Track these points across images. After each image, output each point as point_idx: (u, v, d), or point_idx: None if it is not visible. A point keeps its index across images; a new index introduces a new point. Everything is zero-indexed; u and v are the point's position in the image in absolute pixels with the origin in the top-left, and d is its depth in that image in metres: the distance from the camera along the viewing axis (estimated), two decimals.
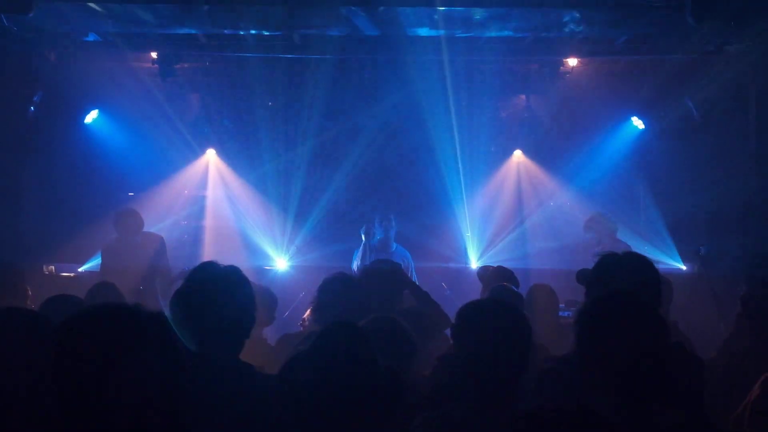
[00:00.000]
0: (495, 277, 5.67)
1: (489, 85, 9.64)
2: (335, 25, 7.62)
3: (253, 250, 10.32)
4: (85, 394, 1.67)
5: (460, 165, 10.34)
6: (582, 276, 3.43)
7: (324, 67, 9.39)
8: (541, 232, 10.50)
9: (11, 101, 9.04)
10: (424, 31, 7.74)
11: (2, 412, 2.21)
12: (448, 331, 4.16)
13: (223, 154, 10.69)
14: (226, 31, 8.08)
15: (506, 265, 6.36)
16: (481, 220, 10.61)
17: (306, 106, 10.24)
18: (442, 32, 7.77)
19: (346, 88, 9.65)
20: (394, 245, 8.51)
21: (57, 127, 9.68)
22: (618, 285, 2.97)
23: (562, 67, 9.15)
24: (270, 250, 10.42)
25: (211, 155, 10.73)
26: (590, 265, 3.33)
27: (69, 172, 9.85)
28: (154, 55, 8.98)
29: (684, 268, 9.57)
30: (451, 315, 3.34)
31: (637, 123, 10.22)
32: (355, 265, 8.26)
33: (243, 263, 9.04)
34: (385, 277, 4.87)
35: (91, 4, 7.17)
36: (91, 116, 10.04)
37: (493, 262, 7.92)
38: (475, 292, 6.00)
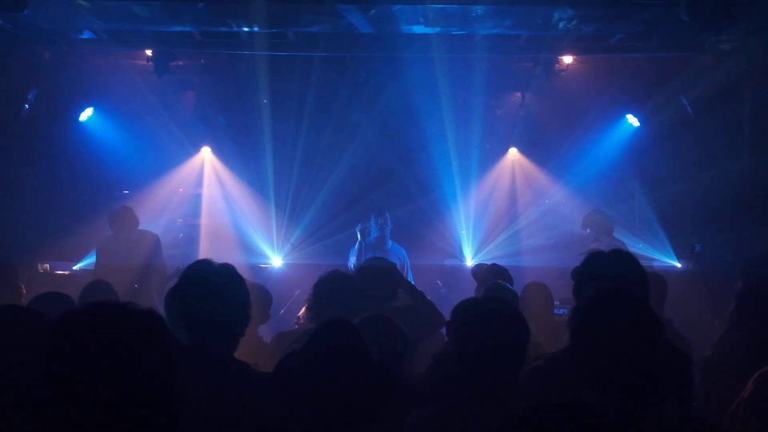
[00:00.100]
0: (489, 274, 5.68)
1: (484, 83, 9.63)
2: (330, 23, 7.62)
3: (248, 247, 10.32)
4: (78, 392, 1.67)
5: (455, 162, 10.36)
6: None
7: (319, 64, 9.39)
8: (536, 230, 10.52)
9: (6, 99, 9.03)
10: (419, 29, 7.74)
11: None
12: (443, 330, 4.17)
13: (218, 151, 10.69)
14: (220, 29, 8.07)
15: (501, 262, 6.37)
16: (476, 217, 10.62)
17: (301, 104, 10.24)
18: (437, 30, 7.77)
19: (341, 85, 9.65)
20: (390, 243, 8.52)
21: (51, 125, 9.66)
22: (603, 282, 2.98)
23: (557, 65, 9.15)
24: (265, 247, 10.42)
25: (206, 153, 10.72)
26: None
27: (64, 170, 9.84)
28: (148, 52, 8.96)
29: (679, 265, 9.59)
30: (447, 312, 3.35)
31: (632, 120, 10.23)
32: (352, 262, 8.27)
33: (238, 261, 9.07)
34: (379, 275, 4.87)
35: (85, 2, 7.15)
36: (86, 114, 10.02)
37: (488, 260, 7.93)
38: (470, 289, 6.01)
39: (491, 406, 2.67)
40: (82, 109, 9.97)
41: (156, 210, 9.94)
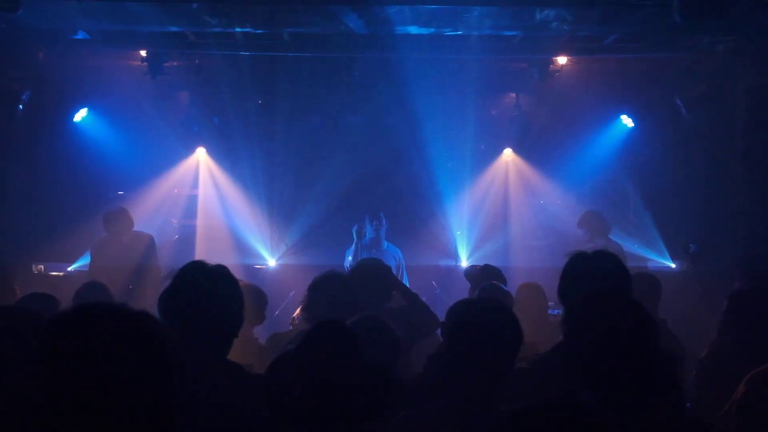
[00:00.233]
0: (483, 275, 5.68)
1: (478, 84, 9.64)
2: (324, 24, 7.61)
3: (243, 248, 10.31)
4: (70, 394, 1.67)
5: (450, 163, 10.36)
6: None
7: (313, 65, 9.39)
8: (531, 230, 10.54)
9: None
10: (413, 30, 7.73)
11: None
12: (439, 331, 4.17)
13: (213, 152, 10.68)
14: (215, 29, 8.05)
15: (496, 263, 6.37)
16: (471, 218, 10.63)
17: (295, 105, 10.24)
18: (430, 30, 7.77)
19: (336, 86, 9.64)
20: (385, 243, 8.54)
21: (46, 125, 9.64)
22: (586, 283, 2.99)
23: (551, 66, 9.16)
24: (260, 248, 10.41)
25: (200, 153, 10.71)
26: None
27: (58, 170, 9.81)
28: (142, 53, 8.94)
29: (673, 265, 9.62)
30: (442, 313, 3.35)
31: (626, 121, 10.25)
32: (348, 263, 8.29)
33: (233, 261, 9.09)
34: (372, 275, 4.88)
35: (79, 3, 7.14)
36: (80, 115, 10.00)
37: (483, 261, 7.94)
38: (465, 290, 6.01)
39: (478, 407, 2.68)
40: (77, 110, 9.95)
41: (151, 211, 9.93)
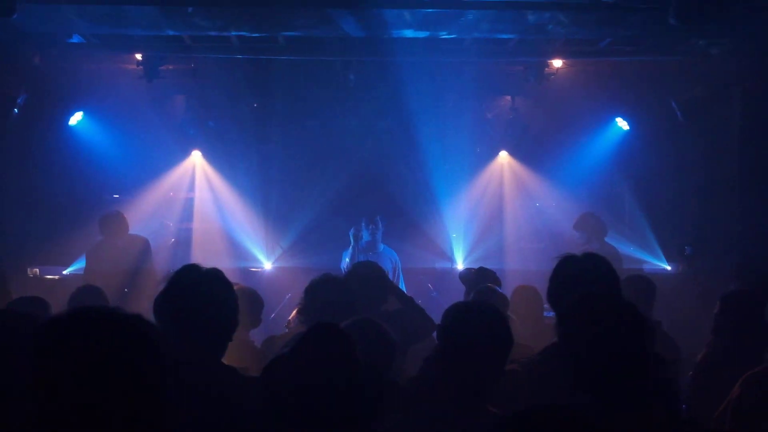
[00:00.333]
0: (478, 278, 5.68)
1: (474, 87, 9.66)
2: (320, 27, 7.61)
3: (239, 251, 10.31)
4: (63, 398, 1.66)
5: (446, 166, 10.37)
6: None
7: (309, 68, 9.39)
8: (526, 233, 10.54)
9: None
10: (409, 33, 7.74)
11: None
12: (435, 334, 4.17)
13: (209, 155, 10.67)
14: (211, 33, 8.05)
15: (491, 265, 6.38)
16: (467, 220, 10.64)
17: (291, 108, 10.24)
18: (426, 34, 7.78)
19: (332, 89, 9.65)
20: (382, 246, 8.56)
21: (41, 129, 9.63)
22: (575, 286, 2.99)
23: (546, 69, 9.17)
24: (256, 251, 10.41)
25: (196, 157, 10.70)
26: None
27: (53, 174, 9.80)
28: (138, 56, 8.93)
29: (669, 267, 9.63)
30: (437, 316, 3.35)
31: (622, 124, 10.27)
32: (345, 264, 8.32)
33: (229, 265, 9.07)
34: (368, 278, 4.88)
35: (74, 7, 7.14)
36: (76, 118, 9.99)
37: (478, 263, 7.95)
38: (461, 293, 6.01)
39: (469, 409, 2.68)
40: (72, 114, 9.94)
41: (146, 214, 9.93)
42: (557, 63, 9.14)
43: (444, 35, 7.92)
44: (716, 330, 4.15)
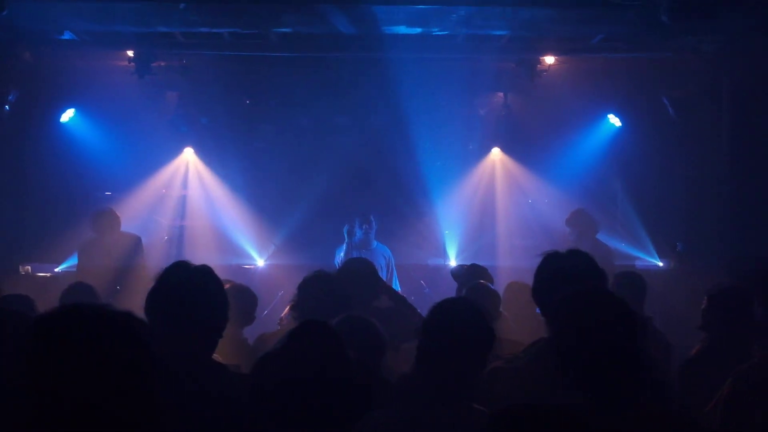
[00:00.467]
0: (470, 275, 5.68)
1: (466, 83, 9.67)
2: (312, 24, 7.61)
3: (232, 248, 10.29)
4: (53, 395, 1.66)
5: (438, 162, 10.37)
6: None
7: (300, 65, 9.38)
8: (519, 229, 10.55)
9: None
10: (401, 29, 7.74)
11: None
12: None
13: (201, 152, 10.66)
14: (202, 30, 8.04)
15: (484, 262, 6.37)
16: (459, 217, 10.64)
17: (283, 105, 10.23)
18: (418, 30, 7.79)
19: (323, 86, 9.64)
20: (375, 243, 8.58)
21: (33, 126, 9.60)
22: (560, 283, 3.00)
23: (539, 66, 9.18)
24: (249, 248, 10.39)
25: (189, 154, 10.68)
26: None
27: (45, 171, 9.77)
28: (130, 53, 8.91)
29: (661, 264, 9.65)
30: None
31: (614, 120, 10.29)
32: (340, 259, 8.34)
33: (222, 262, 9.05)
34: (359, 274, 4.89)
35: (65, 3, 7.12)
36: (67, 115, 9.96)
37: (471, 260, 7.95)
38: (454, 289, 6.01)
39: (450, 405, 2.68)
40: (64, 110, 9.91)
41: (139, 211, 9.90)
42: (549, 60, 9.16)
43: (436, 32, 7.93)
44: (704, 326, 4.14)
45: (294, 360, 2.31)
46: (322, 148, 10.40)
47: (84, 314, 1.76)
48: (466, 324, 2.77)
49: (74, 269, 8.43)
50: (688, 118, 9.39)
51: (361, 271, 4.97)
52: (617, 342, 2.49)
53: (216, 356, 3.37)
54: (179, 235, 10.48)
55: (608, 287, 3.21)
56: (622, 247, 9.62)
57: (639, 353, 2.51)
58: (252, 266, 10.19)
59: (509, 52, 8.98)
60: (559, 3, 7.05)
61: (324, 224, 9.82)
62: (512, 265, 8.97)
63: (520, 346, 4.19)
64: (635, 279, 5.19)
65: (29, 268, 9.29)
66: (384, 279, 8.09)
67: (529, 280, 6.20)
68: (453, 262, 10.00)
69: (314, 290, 4.32)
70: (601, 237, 8.79)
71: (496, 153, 10.91)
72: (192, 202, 10.73)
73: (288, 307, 4.92)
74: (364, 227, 8.48)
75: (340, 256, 8.48)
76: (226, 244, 10.32)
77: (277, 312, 7.10)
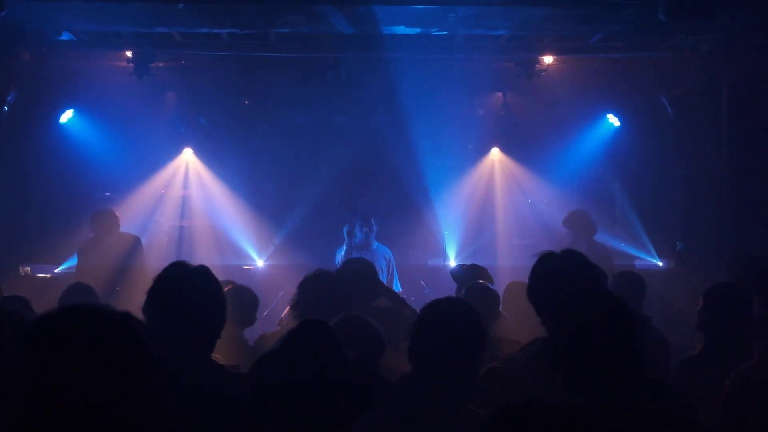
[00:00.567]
0: (469, 275, 5.67)
1: (466, 83, 9.67)
2: (311, 24, 7.61)
3: (231, 249, 10.29)
4: (51, 396, 1.66)
5: (437, 162, 10.37)
6: None
7: (299, 65, 9.38)
8: (518, 229, 10.56)
9: None
10: (400, 30, 7.75)
11: None
12: None
13: (200, 153, 10.66)
14: (201, 30, 8.03)
15: (483, 262, 6.37)
16: (459, 217, 10.64)
17: (282, 105, 10.23)
18: (417, 30, 7.79)
19: (323, 86, 9.63)
20: (375, 243, 8.59)
21: (32, 127, 9.60)
22: (556, 283, 2.99)
23: (537, 65, 9.18)
24: (249, 249, 10.39)
25: (188, 154, 10.69)
26: None
27: (45, 172, 9.77)
28: (129, 53, 8.91)
29: (660, 263, 9.65)
30: None
31: (613, 120, 10.29)
32: (340, 259, 8.35)
33: (221, 262, 9.04)
34: (359, 274, 4.89)
35: (64, 3, 7.12)
36: (66, 116, 9.95)
37: (471, 260, 7.95)
38: (453, 289, 6.01)
39: (443, 406, 2.67)
40: (63, 111, 9.90)
41: (138, 212, 9.90)
42: (548, 59, 9.16)
43: (435, 32, 7.93)
44: (700, 326, 4.12)
45: (292, 360, 2.31)
46: (321, 149, 10.40)
47: (83, 314, 1.76)
48: (457, 324, 2.75)
49: (74, 270, 8.43)
50: (687, 117, 9.39)
51: (360, 271, 4.97)
52: (615, 341, 2.49)
53: (217, 357, 3.37)
54: (179, 236, 10.48)
55: (607, 287, 3.21)
56: (622, 246, 9.62)
57: (637, 353, 2.50)
58: (251, 267, 10.19)
59: (508, 52, 8.99)
60: (557, 2, 7.05)
61: (323, 224, 9.83)
62: (512, 264, 8.97)
63: (519, 345, 4.20)
64: (634, 279, 5.19)
65: (29, 268, 9.29)
66: (385, 280, 8.12)
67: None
68: (452, 262, 10.00)
69: (314, 289, 4.32)
70: (600, 237, 8.79)
71: (495, 153, 10.91)
72: (191, 202, 10.74)
73: (288, 308, 4.92)
74: (364, 230, 8.50)
75: (340, 256, 8.49)
76: (225, 244, 10.32)
77: (276, 313, 7.11)
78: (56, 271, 9.25)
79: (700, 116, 9.12)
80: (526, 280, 6.27)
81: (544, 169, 10.41)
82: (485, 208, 10.83)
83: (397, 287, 8.54)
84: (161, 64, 9.34)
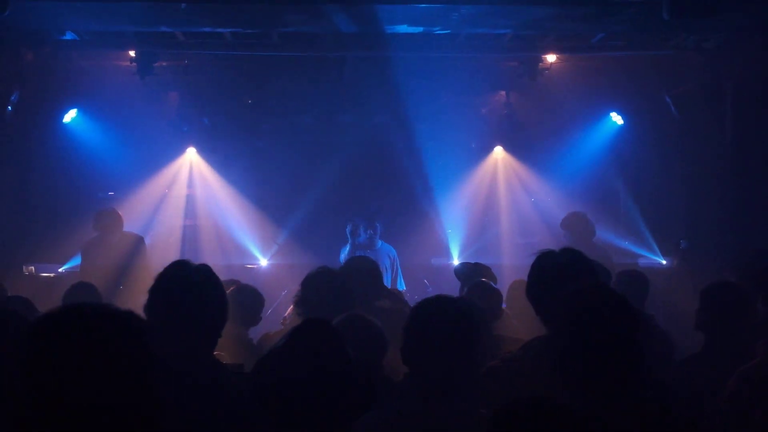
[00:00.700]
0: (473, 273, 5.67)
1: (469, 82, 9.68)
2: (314, 23, 7.61)
3: (235, 248, 10.31)
4: (54, 395, 1.67)
5: (441, 161, 10.37)
6: None
7: (303, 64, 9.38)
8: (522, 228, 10.55)
9: None
10: (403, 28, 7.75)
11: None
12: None
13: (203, 152, 10.67)
14: (204, 30, 8.04)
15: (487, 260, 6.36)
16: (462, 216, 10.64)
17: (285, 104, 10.24)
18: (420, 29, 7.79)
19: (326, 85, 9.64)
20: (380, 242, 8.60)
21: (35, 126, 9.60)
22: (555, 282, 2.98)
23: (541, 64, 9.18)
24: (252, 248, 10.40)
25: (191, 153, 10.70)
26: None
27: (48, 172, 9.79)
28: (132, 53, 8.92)
29: (664, 262, 9.64)
30: None
31: (616, 118, 10.28)
32: (343, 258, 8.36)
33: (225, 262, 9.04)
34: (362, 272, 4.89)
35: (67, 3, 7.13)
36: (70, 115, 9.97)
37: (474, 258, 7.94)
38: (457, 288, 6.00)
39: (438, 405, 2.64)
40: (66, 111, 9.92)
41: (141, 211, 9.92)
42: (551, 58, 9.16)
43: (438, 31, 7.93)
44: (698, 325, 4.09)
45: (295, 358, 2.31)
46: (324, 148, 10.42)
47: (86, 314, 1.76)
48: (446, 322, 2.70)
49: (77, 269, 8.44)
50: (690, 116, 9.37)
51: (364, 269, 4.97)
52: (619, 339, 2.48)
53: (221, 355, 3.38)
54: (182, 235, 10.49)
55: (610, 285, 3.20)
56: (625, 245, 9.61)
57: (641, 351, 2.50)
58: (255, 266, 10.21)
59: (511, 51, 8.99)
60: (560, 1, 7.05)
61: (327, 223, 9.84)
62: (515, 263, 8.96)
63: (522, 344, 4.20)
64: (637, 277, 5.18)
65: (33, 268, 9.31)
66: (389, 279, 8.13)
67: None
68: (456, 261, 10.00)
69: (317, 286, 4.31)
70: (602, 236, 8.76)
71: (498, 152, 10.92)
72: (194, 201, 10.75)
73: (291, 307, 4.92)
74: (369, 232, 8.51)
75: (344, 255, 8.49)
76: (229, 243, 10.34)
77: (280, 312, 7.11)
78: (60, 270, 9.26)
79: (703, 115, 9.10)
80: None
81: (547, 168, 10.41)
82: (488, 206, 10.83)
83: (402, 286, 8.55)
84: (164, 64, 9.35)
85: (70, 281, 6.54)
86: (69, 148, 9.89)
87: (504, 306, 5.48)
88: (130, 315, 1.80)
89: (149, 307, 2.76)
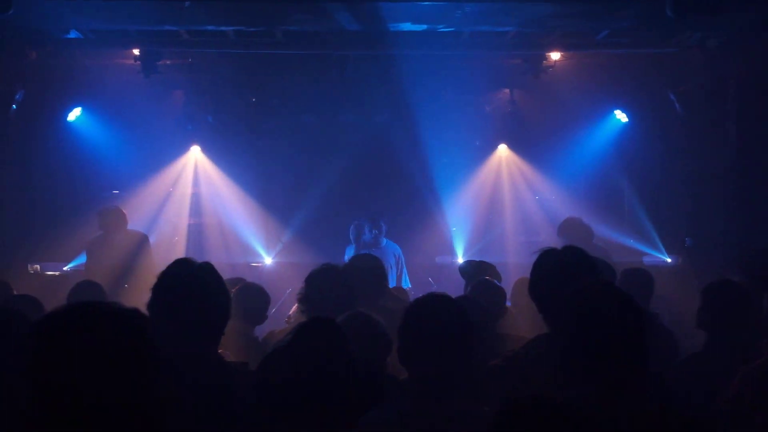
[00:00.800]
0: (477, 271, 5.66)
1: (473, 80, 9.66)
2: (317, 21, 7.61)
3: (239, 246, 10.32)
4: (60, 393, 1.67)
5: (445, 159, 10.37)
6: None
7: (306, 63, 9.38)
8: (526, 226, 10.54)
9: None
10: (406, 26, 7.74)
11: None
12: None
13: (208, 150, 10.69)
14: (208, 28, 8.04)
15: (492, 258, 6.35)
16: (467, 214, 10.64)
17: (289, 103, 10.25)
18: (423, 27, 7.78)
19: (330, 84, 9.64)
20: (385, 241, 8.60)
21: (40, 125, 9.63)
22: (557, 280, 2.98)
23: (544, 62, 9.16)
24: (257, 246, 10.42)
25: (195, 152, 10.71)
26: None
27: (53, 170, 9.81)
28: (136, 51, 8.92)
29: (669, 260, 9.63)
30: None
31: (620, 116, 10.27)
32: (347, 260, 8.35)
33: (230, 260, 9.03)
34: (367, 270, 4.89)
35: (72, 1, 7.14)
36: (74, 114, 9.99)
37: (479, 257, 7.94)
38: (462, 286, 6.00)
39: (436, 404, 2.63)
40: (70, 109, 9.94)
41: (146, 210, 9.94)
42: (555, 56, 9.13)
43: (441, 28, 7.92)
44: (699, 324, 4.08)
45: (299, 356, 2.32)
46: (329, 146, 10.42)
47: (91, 312, 1.77)
48: (440, 321, 2.68)
49: (83, 268, 8.46)
50: (694, 113, 9.36)
51: (367, 267, 4.97)
52: (623, 337, 2.47)
53: (227, 353, 3.38)
54: (187, 233, 10.51)
55: (620, 284, 3.20)
56: (630, 243, 9.59)
57: (645, 349, 2.49)
58: (260, 264, 10.22)
59: (514, 49, 8.97)
60: None
61: (331, 221, 9.85)
62: (520, 261, 8.94)
63: (524, 342, 4.19)
64: (642, 275, 5.17)
65: (38, 266, 9.34)
66: (394, 277, 8.13)
67: None
68: (461, 259, 9.99)
69: (321, 283, 4.31)
70: (607, 234, 8.74)
71: (502, 150, 10.91)
72: (199, 200, 10.77)
73: (295, 305, 4.93)
74: (374, 232, 8.51)
75: (349, 253, 8.49)
76: (233, 241, 10.36)
77: (284, 310, 7.11)
78: (65, 268, 9.29)
79: (707, 112, 9.09)
80: None
81: (551, 166, 10.40)
82: (493, 205, 10.82)
83: (407, 284, 8.55)
84: (168, 62, 9.35)
85: (75, 279, 6.55)
86: (73, 146, 9.91)
87: (508, 304, 5.47)
88: (134, 313, 1.80)
89: (152, 305, 2.77)
